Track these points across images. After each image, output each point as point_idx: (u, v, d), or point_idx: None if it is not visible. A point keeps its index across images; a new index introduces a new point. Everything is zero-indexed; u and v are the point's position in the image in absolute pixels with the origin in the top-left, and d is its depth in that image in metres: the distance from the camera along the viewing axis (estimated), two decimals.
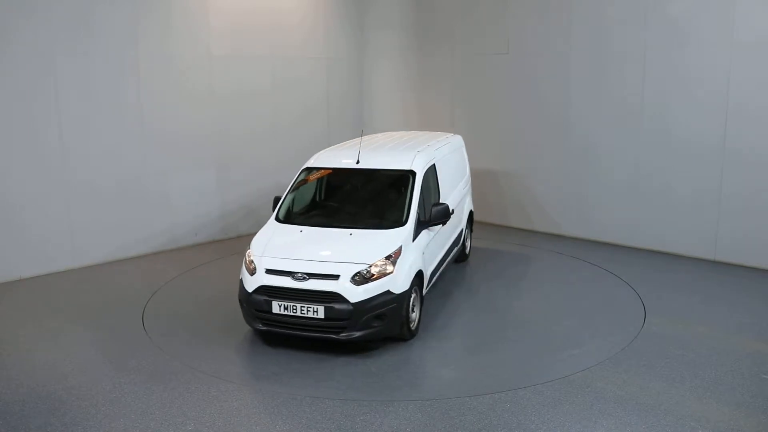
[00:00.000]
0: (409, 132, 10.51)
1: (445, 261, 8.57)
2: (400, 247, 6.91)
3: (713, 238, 9.77)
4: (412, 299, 6.97)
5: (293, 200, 8.04)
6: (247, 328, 7.37)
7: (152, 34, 10.20)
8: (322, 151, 8.60)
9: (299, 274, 6.65)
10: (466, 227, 9.87)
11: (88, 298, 8.59)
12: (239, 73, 11.34)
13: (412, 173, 7.68)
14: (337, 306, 6.51)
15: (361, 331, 6.57)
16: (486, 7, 11.91)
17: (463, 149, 10.13)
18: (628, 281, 8.97)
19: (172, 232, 10.84)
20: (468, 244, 10.11)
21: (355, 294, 6.51)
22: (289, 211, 7.88)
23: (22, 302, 8.43)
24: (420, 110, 13.24)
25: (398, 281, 6.71)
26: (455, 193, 9.08)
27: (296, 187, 8.14)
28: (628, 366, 6.46)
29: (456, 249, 9.24)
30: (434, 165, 8.29)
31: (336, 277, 6.58)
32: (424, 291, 7.60)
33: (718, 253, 9.76)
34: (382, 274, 6.66)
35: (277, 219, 7.75)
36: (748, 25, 9.06)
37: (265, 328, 6.86)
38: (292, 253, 6.90)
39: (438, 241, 8.07)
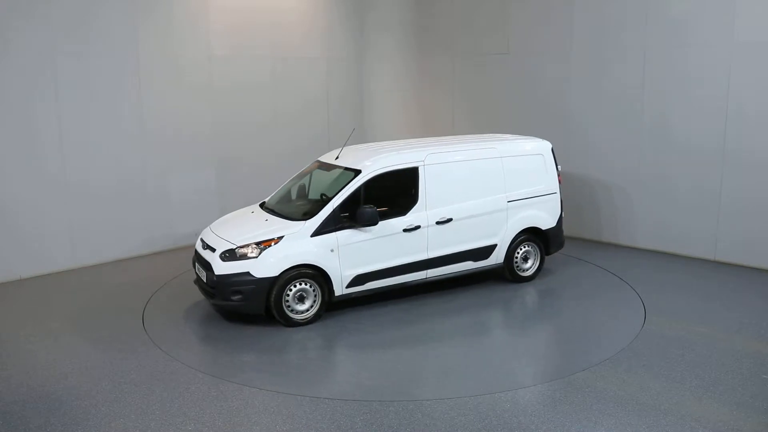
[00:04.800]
0: (484, 134, 10.12)
1: (419, 270, 8.10)
2: (281, 237, 7.45)
3: (713, 238, 9.77)
4: (295, 290, 7.43)
5: (286, 189, 8.72)
6: (246, 327, 7.43)
7: (152, 33, 10.19)
8: (344, 147, 8.92)
9: (204, 244, 7.89)
10: (526, 245, 8.90)
11: (88, 298, 8.59)
12: (239, 72, 11.33)
13: (357, 172, 7.88)
14: (209, 274, 7.49)
15: (223, 301, 7.44)
16: (486, 7, 11.90)
17: (542, 157, 8.99)
18: (628, 281, 8.98)
19: (172, 232, 10.84)
20: (528, 265, 8.97)
21: (219, 267, 7.41)
22: (272, 198, 8.66)
23: (22, 302, 8.43)
24: (420, 110, 13.24)
25: (261, 266, 7.31)
26: (472, 203, 8.38)
27: (299, 177, 8.79)
28: (628, 366, 6.46)
29: (476, 264, 8.56)
30: (416, 168, 8.02)
31: (214, 250, 7.59)
32: (343, 290, 7.67)
33: (718, 253, 9.76)
34: (248, 256, 7.36)
35: (261, 203, 8.69)
36: (748, 25, 9.06)
37: (196, 284, 8.12)
38: (216, 228, 8.13)
39: (385, 245, 7.77)
